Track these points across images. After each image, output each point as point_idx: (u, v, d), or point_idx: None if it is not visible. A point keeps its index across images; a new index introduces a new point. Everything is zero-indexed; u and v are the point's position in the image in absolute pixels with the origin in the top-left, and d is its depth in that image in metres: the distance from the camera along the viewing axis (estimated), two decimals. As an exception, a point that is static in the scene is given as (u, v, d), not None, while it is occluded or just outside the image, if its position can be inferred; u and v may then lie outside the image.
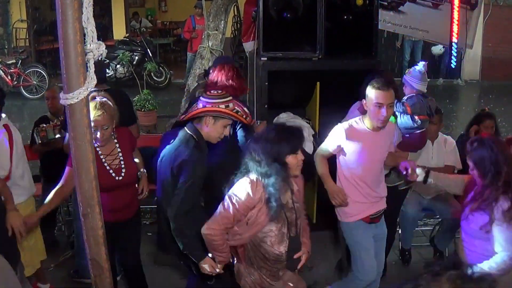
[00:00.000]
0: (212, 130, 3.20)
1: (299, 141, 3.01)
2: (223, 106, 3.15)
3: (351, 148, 3.56)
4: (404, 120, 3.95)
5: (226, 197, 2.95)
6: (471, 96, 12.66)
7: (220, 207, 2.94)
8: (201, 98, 3.25)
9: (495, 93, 11.80)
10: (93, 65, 1.37)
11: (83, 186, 1.43)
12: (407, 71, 4.42)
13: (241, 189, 2.92)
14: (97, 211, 1.46)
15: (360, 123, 3.59)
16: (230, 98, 3.24)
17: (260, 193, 2.89)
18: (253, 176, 2.92)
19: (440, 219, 5.08)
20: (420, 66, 4.29)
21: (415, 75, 4.18)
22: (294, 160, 2.93)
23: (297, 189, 3.12)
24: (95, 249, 1.50)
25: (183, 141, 3.20)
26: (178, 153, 3.16)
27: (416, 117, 3.93)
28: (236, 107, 3.28)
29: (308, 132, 4.88)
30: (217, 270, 3.12)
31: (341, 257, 4.64)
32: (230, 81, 3.86)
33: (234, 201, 2.90)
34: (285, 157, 2.90)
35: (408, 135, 4.03)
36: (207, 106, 3.16)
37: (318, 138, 4.91)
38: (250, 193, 2.88)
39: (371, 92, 3.44)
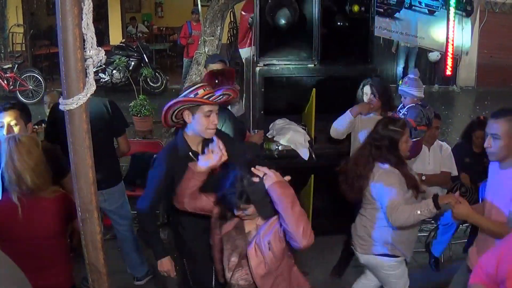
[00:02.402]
0: (196, 124, 2.96)
1: None
2: (192, 95, 2.88)
3: None
4: None
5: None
6: (467, 103, 12.72)
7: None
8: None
9: (491, 99, 11.85)
10: (93, 71, 1.39)
11: (81, 191, 1.45)
12: (401, 81, 4.45)
13: None
14: (96, 216, 1.47)
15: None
16: (200, 85, 2.96)
17: None
18: None
19: (435, 225, 5.10)
20: (413, 73, 4.33)
21: (412, 83, 4.19)
22: None
23: None
24: (94, 254, 1.51)
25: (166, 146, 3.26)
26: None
27: (417, 128, 3.99)
28: (214, 91, 2.98)
29: (304, 138, 4.90)
30: (171, 275, 3.13)
31: (337, 262, 4.66)
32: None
33: None
34: None
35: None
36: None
37: (314, 144, 4.93)
38: None
39: None
